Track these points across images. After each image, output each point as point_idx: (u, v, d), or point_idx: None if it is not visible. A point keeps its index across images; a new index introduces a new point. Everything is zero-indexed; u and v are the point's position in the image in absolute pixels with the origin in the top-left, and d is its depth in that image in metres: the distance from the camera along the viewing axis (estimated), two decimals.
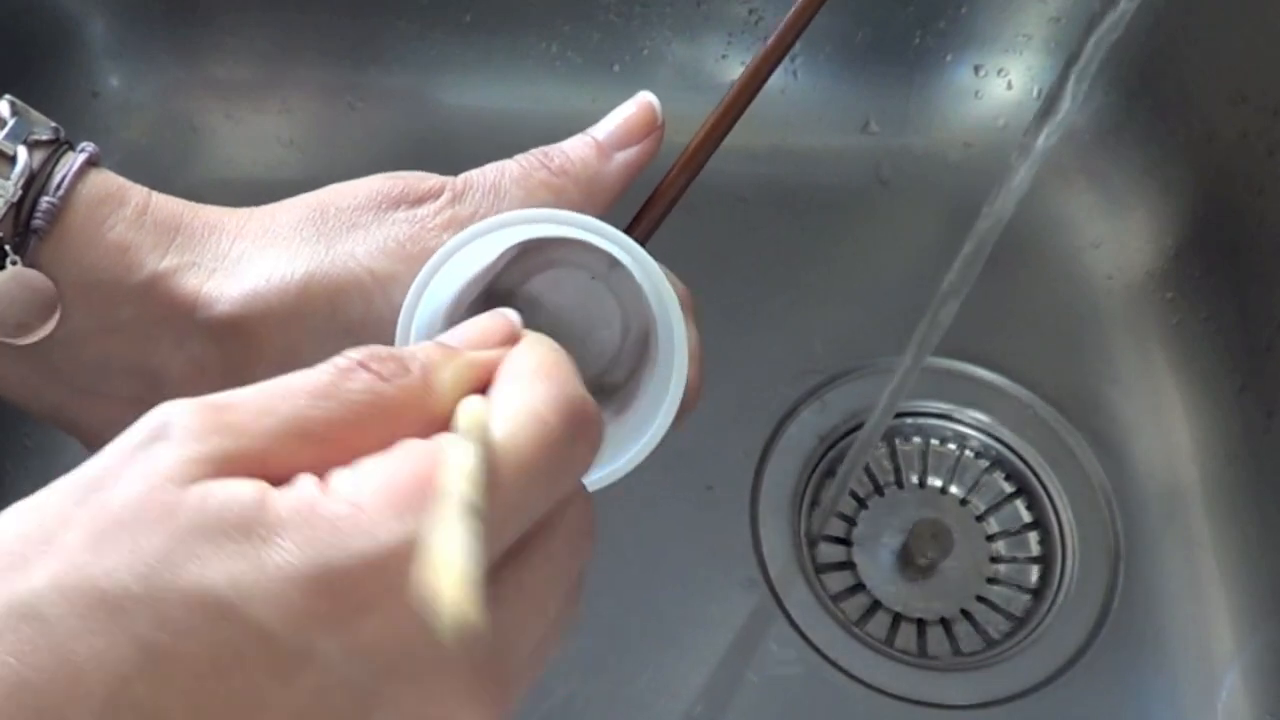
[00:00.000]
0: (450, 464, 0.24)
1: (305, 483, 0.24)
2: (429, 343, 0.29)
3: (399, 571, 0.23)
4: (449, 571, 0.22)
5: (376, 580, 0.23)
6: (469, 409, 0.27)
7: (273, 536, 0.23)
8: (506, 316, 0.30)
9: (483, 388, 0.28)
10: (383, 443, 0.26)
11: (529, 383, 0.27)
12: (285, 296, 0.34)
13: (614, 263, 0.35)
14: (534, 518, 0.26)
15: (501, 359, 0.29)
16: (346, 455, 0.25)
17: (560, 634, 0.28)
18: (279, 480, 0.24)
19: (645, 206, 0.37)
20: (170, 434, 0.24)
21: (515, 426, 0.26)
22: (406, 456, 0.25)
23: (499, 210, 0.36)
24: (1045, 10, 0.69)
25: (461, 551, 0.22)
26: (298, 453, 0.25)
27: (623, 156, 0.37)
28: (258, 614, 0.23)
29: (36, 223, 0.34)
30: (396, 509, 0.24)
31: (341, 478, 0.24)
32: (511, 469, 0.25)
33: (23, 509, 0.24)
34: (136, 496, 0.23)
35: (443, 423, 0.27)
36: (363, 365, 0.26)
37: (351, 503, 0.24)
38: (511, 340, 0.30)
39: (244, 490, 0.24)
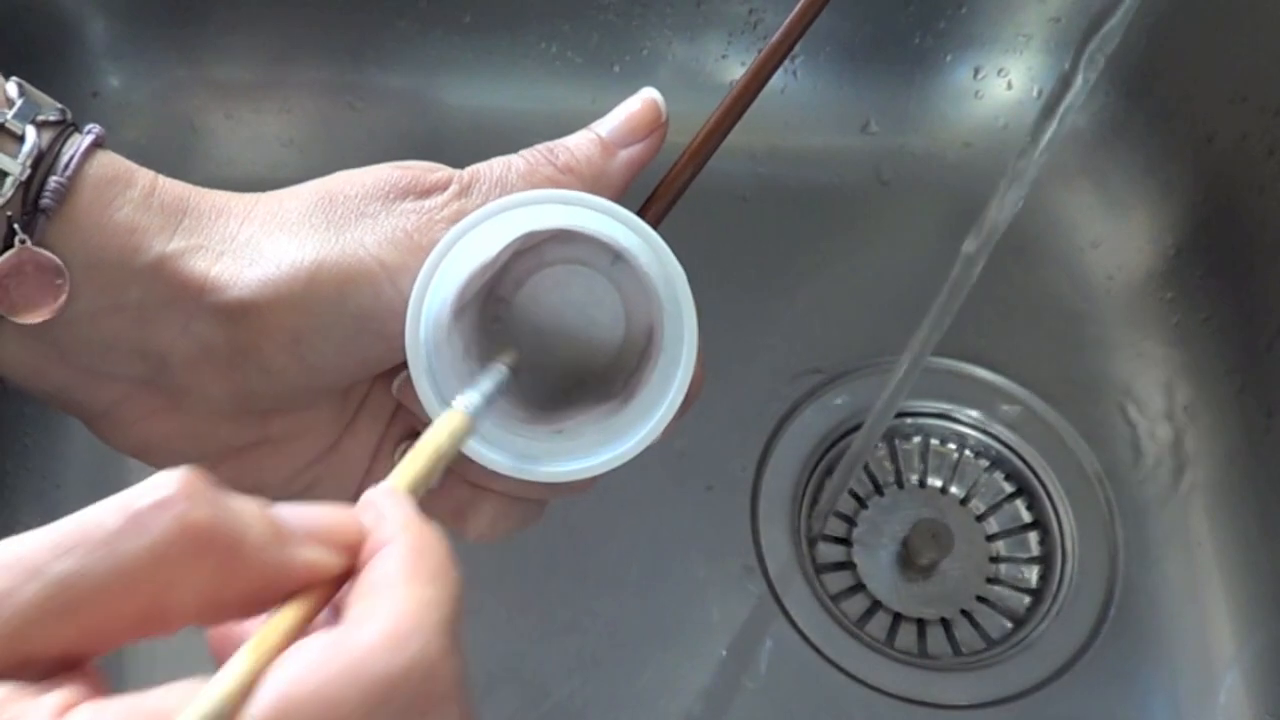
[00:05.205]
0: None
1: (41, 711, 0.22)
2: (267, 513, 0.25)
3: None
4: None
5: None
6: (253, 653, 0.23)
7: None
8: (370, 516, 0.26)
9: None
10: (155, 605, 0.23)
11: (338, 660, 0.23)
12: (295, 284, 0.34)
13: (615, 257, 0.35)
14: None
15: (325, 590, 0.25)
16: (118, 624, 0.23)
17: None
18: (47, 660, 0.23)
19: (650, 200, 0.38)
20: None
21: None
22: (162, 698, 0.22)
23: None
24: (1045, 10, 0.69)
25: None
26: (56, 630, 0.23)
27: (626, 153, 0.37)
28: None
29: (45, 202, 0.34)
30: None
31: (84, 712, 0.22)
32: None
33: None
34: None
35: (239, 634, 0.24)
36: (172, 500, 0.23)
37: None
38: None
39: None
